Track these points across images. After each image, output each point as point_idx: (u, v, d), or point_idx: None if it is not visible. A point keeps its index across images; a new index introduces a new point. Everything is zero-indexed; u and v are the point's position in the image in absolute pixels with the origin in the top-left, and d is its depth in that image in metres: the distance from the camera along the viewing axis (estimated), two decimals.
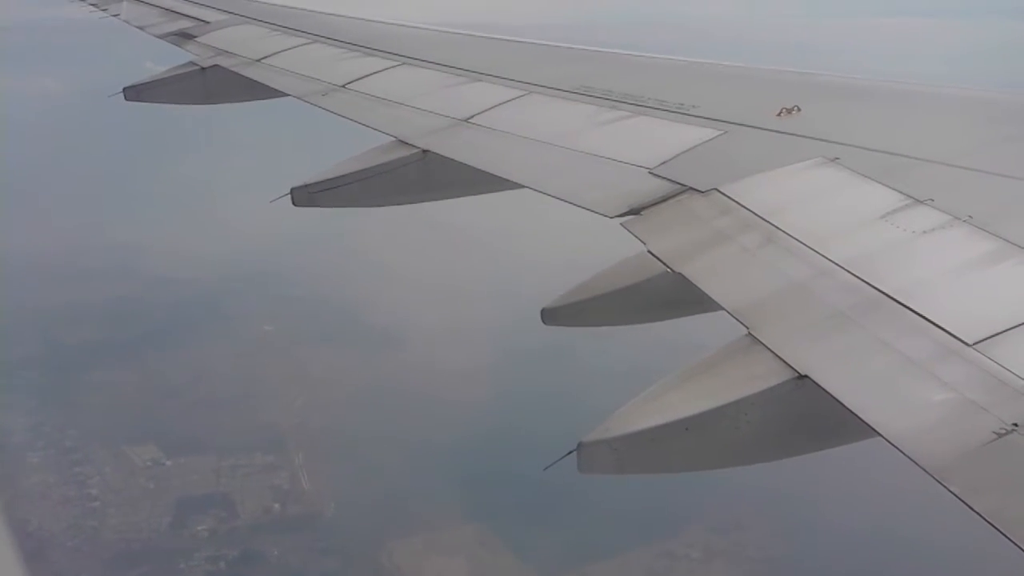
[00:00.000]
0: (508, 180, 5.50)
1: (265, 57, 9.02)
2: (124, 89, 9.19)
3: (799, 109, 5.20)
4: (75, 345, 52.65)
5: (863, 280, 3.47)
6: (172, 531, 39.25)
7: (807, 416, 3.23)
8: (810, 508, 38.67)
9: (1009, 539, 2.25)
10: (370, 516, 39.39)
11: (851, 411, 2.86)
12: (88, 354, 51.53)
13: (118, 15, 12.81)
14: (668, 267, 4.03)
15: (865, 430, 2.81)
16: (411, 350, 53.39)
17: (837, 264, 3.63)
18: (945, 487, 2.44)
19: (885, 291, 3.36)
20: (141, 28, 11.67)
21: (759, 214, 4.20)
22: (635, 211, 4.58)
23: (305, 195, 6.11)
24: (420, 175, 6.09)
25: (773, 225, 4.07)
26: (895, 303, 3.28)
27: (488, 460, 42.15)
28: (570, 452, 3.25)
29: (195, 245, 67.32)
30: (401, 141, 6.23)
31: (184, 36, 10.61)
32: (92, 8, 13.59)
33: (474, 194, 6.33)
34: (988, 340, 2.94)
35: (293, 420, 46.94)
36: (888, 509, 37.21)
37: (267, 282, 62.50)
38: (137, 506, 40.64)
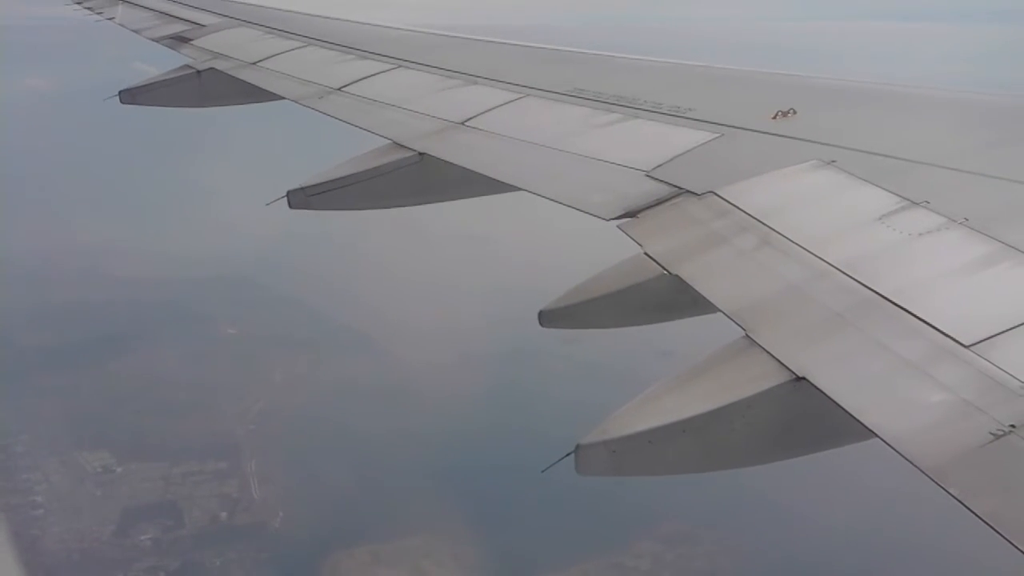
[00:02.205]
0: (504, 183, 5.50)
1: (261, 60, 9.02)
2: (120, 92, 9.18)
3: (795, 112, 5.21)
4: (32, 348, 51.60)
5: (860, 282, 3.48)
6: (114, 540, 38.42)
7: (804, 418, 3.23)
8: (761, 520, 38.44)
9: (1007, 540, 2.25)
10: (318, 526, 38.68)
11: (848, 413, 2.86)
12: (45, 357, 50.53)
13: (113, 18, 12.79)
14: (665, 269, 4.04)
15: (862, 432, 2.81)
16: (385, 355, 52.36)
17: (834, 266, 3.64)
18: (943, 488, 2.44)
19: (882, 293, 3.37)
20: (136, 32, 11.66)
21: (755, 216, 4.20)
22: (631, 214, 4.58)
23: (301, 198, 6.11)
24: (417, 178, 6.08)
25: (769, 227, 4.08)
26: (892, 305, 3.29)
27: (443, 471, 41.42)
28: (568, 454, 3.25)
29: (176, 248, 66.50)
30: (397, 144, 6.23)
31: (180, 39, 10.60)
32: (87, 11, 13.57)
33: (471, 197, 6.33)
34: (985, 342, 2.95)
35: (249, 426, 46.19)
36: (841, 519, 37.30)
37: (243, 285, 61.51)
38: (82, 514, 39.83)
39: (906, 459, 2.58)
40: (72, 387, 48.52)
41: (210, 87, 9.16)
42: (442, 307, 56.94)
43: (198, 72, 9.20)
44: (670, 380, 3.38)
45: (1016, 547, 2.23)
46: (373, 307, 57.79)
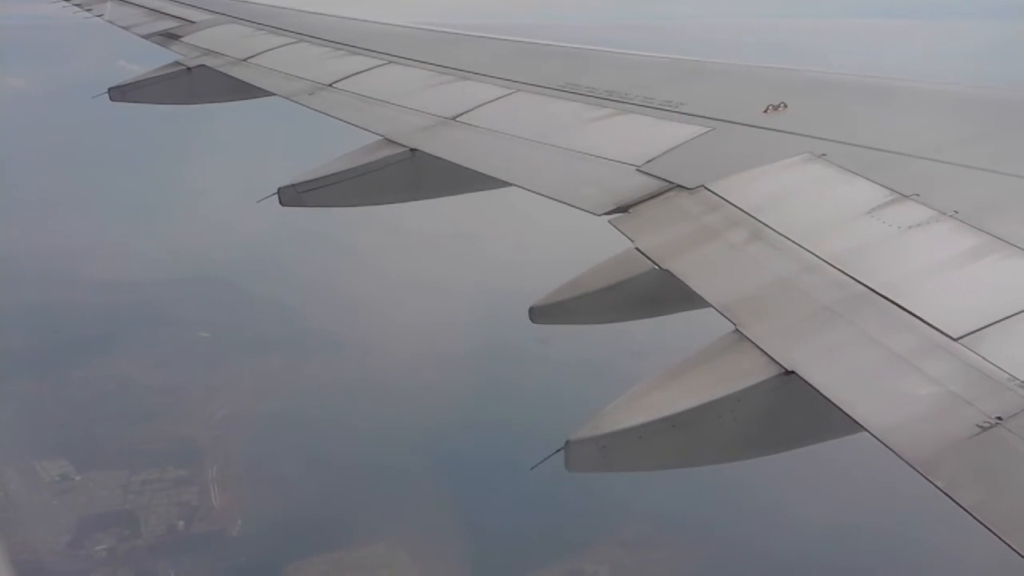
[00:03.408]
0: (496, 178, 5.49)
1: (251, 56, 8.99)
2: (109, 89, 9.14)
3: (785, 106, 5.21)
4: None
5: (849, 276, 3.49)
6: (69, 551, 37.74)
7: (794, 411, 3.24)
8: (724, 521, 38.22)
9: (992, 532, 2.27)
10: (277, 534, 38.09)
11: (837, 406, 2.87)
12: (10, 362, 49.28)
13: (102, 15, 12.73)
14: (656, 264, 4.04)
15: (851, 425, 2.82)
16: (358, 359, 51.42)
17: (824, 260, 3.65)
18: (930, 481, 2.46)
19: (871, 286, 3.38)
20: (126, 28, 11.61)
21: (746, 211, 4.21)
22: (623, 209, 4.59)
23: (293, 195, 6.10)
24: (408, 174, 6.08)
25: (760, 221, 4.09)
26: (881, 298, 3.30)
27: (406, 477, 40.86)
28: (558, 450, 3.25)
29: (158, 248, 65.06)
30: (389, 140, 6.22)
31: (169, 36, 10.56)
32: (76, 9, 13.50)
33: (462, 193, 6.33)
34: (973, 334, 2.96)
35: (214, 432, 45.45)
36: (808, 518, 37.12)
37: (222, 286, 60.44)
38: (38, 524, 39.02)
39: (894, 452, 2.59)
40: (36, 393, 47.65)
41: (200, 84, 9.13)
42: (425, 308, 56.01)
43: (188, 69, 9.17)
44: (660, 375, 3.38)
45: (1000, 538, 2.24)
46: (353, 309, 56.68)
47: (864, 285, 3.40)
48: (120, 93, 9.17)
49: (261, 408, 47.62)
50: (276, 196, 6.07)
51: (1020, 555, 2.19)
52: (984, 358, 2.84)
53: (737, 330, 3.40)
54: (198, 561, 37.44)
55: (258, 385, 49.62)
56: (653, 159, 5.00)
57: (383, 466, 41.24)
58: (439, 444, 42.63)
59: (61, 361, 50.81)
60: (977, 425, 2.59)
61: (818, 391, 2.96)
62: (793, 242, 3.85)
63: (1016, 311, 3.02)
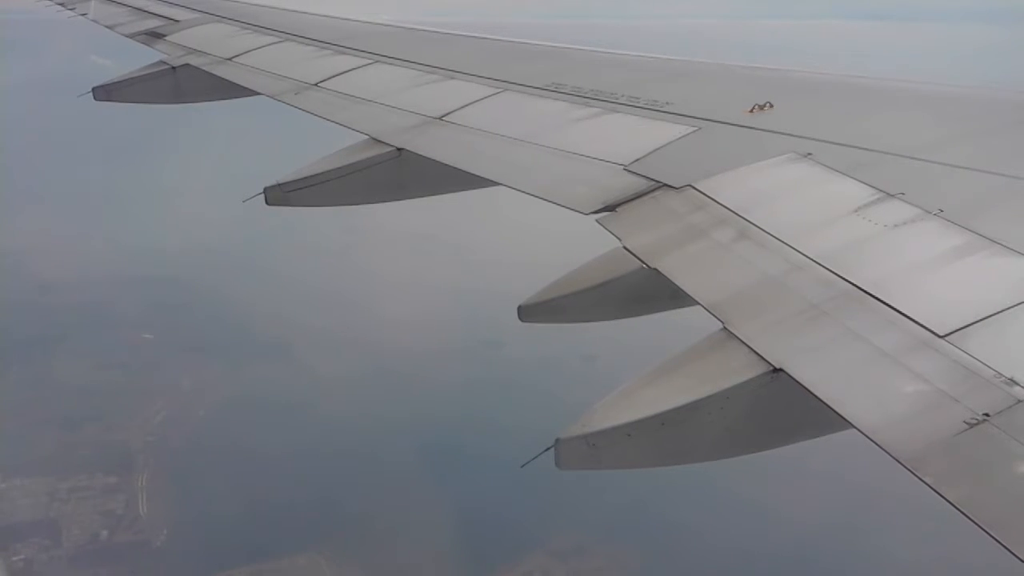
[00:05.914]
0: (483, 178, 5.49)
1: (236, 56, 8.95)
2: (93, 89, 9.08)
3: (771, 105, 5.23)
4: None
5: (836, 274, 3.51)
6: None
7: (782, 409, 3.25)
8: (657, 530, 37.91)
9: (980, 527, 2.28)
10: (202, 544, 37.26)
11: (825, 403, 2.88)
12: None
13: (86, 14, 12.66)
14: (643, 263, 4.05)
15: (839, 422, 2.83)
16: (300, 366, 50.43)
17: (810, 258, 3.66)
18: (918, 477, 2.47)
19: (858, 284, 3.40)
20: (110, 28, 11.54)
21: (733, 210, 4.22)
22: (610, 208, 4.59)
23: (279, 194, 6.07)
24: (395, 173, 6.07)
25: (747, 220, 4.10)
26: (868, 296, 3.32)
27: (333, 488, 40.20)
28: (548, 448, 3.25)
29: (116, 247, 63.22)
30: (375, 139, 6.21)
31: (154, 35, 10.50)
32: (59, 7, 13.42)
33: (449, 192, 6.32)
34: (959, 331, 2.98)
35: (148, 438, 44.44)
36: (741, 528, 36.78)
37: (177, 287, 59.15)
38: None
39: (882, 448, 2.60)
40: None
41: (185, 83, 9.09)
42: (396, 310, 54.56)
43: (173, 68, 9.12)
44: (648, 373, 3.39)
45: (988, 533, 2.25)
46: (312, 313, 55.40)
47: (851, 283, 3.42)
48: (105, 92, 9.11)
49: (199, 414, 46.49)
50: (262, 196, 6.04)
51: (1008, 549, 2.21)
52: (971, 355, 2.86)
53: (725, 328, 3.41)
54: (117, 572, 36.59)
55: (198, 389, 48.30)
56: (640, 158, 5.00)
57: (316, 477, 40.58)
58: (373, 456, 41.86)
59: None
60: (964, 422, 2.60)
61: (806, 389, 2.98)
62: (780, 241, 3.86)
63: (1001, 308, 3.04)
